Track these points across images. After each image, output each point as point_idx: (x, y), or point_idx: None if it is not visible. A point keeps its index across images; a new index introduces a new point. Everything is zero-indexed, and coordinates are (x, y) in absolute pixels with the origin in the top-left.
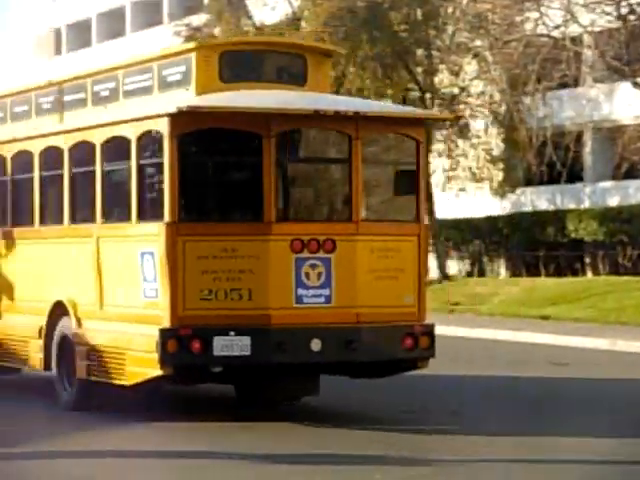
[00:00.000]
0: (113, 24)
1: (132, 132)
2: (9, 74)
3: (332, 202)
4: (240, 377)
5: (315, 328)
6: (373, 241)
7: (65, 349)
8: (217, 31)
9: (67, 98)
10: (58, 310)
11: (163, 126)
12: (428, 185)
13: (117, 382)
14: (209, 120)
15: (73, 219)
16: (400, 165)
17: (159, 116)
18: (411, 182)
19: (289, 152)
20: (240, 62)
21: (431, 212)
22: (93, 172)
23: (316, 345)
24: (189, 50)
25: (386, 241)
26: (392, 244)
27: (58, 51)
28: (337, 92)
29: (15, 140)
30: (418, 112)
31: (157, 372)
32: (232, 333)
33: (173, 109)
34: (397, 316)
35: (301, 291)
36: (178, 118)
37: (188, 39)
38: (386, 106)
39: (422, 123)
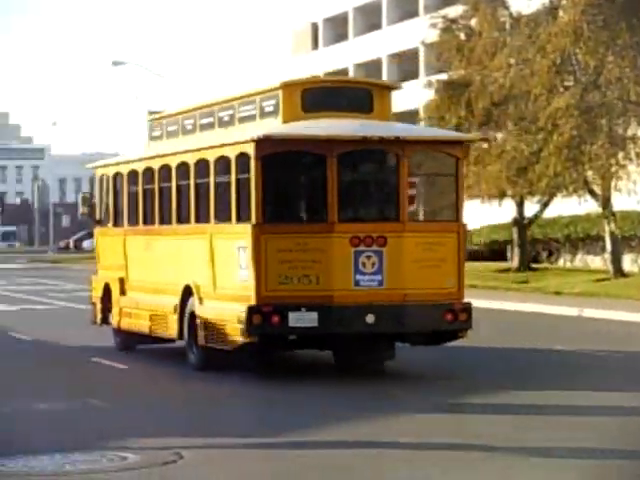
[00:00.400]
0: (369, 17)
1: (232, 153)
2: (269, 70)
3: (383, 207)
4: (310, 345)
5: (370, 305)
6: (418, 237)
7: (192, 322)
8: (473, 22)
9: (202, 121)
10: (187, 292)
11: (250, 149)
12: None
13: (222, 347)
14: (285, 144)
15: (196, 219)
16: (443, 176)
17: (247, 142)
18: (452, 190)
19: (348, 168)
20: (318, 96)
21: None
22: (208, 183)
23: (370, 319)
24: (278, 87)
25: (429, 237)
26: (434, 239)
27: (315, 45)
28: (595, 82)
29: (159, 156)
30: (451, 135)
31: (246, 340)
32: (303, 309)
33: (256, 136)
34: (439, 296)
35: (358, 276)
36: (261, 143)
37: (444, 31)
38: (427, 130)
39: (460, 142)
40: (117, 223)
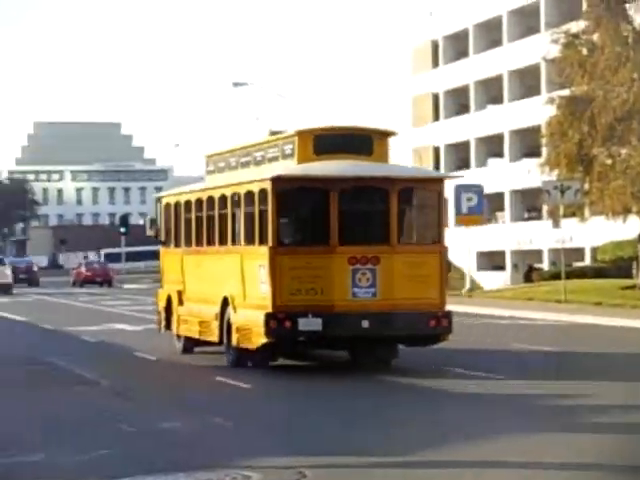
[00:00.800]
0: (490, 34)
1: (256, 188)
2: (389, 87)
3: (377, 232)
4: (317, 345)
5: (365, 313)
6: (405, 257)
7: (228, 327)
8: (596, 37)
9: (242, 160)
10: (225, 302)
11: (268, 186)
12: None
13: (248, 347)
14: (295, 182)
15: (232, 242)
16: (427, 207)
17: (266, 180)
18: (435, 218)
19: (347, 201)
20: (327, 141)
21: None
22: (240, 212)
23: (365, 324)
24: (294, 135)
25: (415, 257)
26: (420, 259)
27: (435, 63)
28: None
29: (207, 189)
30: (431, 174)
31: (265, 340)
32: (310, 315)
33: (271, 176)
34: (424, 306)
35: (356, 289)
36: (276, 181)
37: (566, 46)
38: (412, 170)
39: (440, 180)
40: (177, 244)
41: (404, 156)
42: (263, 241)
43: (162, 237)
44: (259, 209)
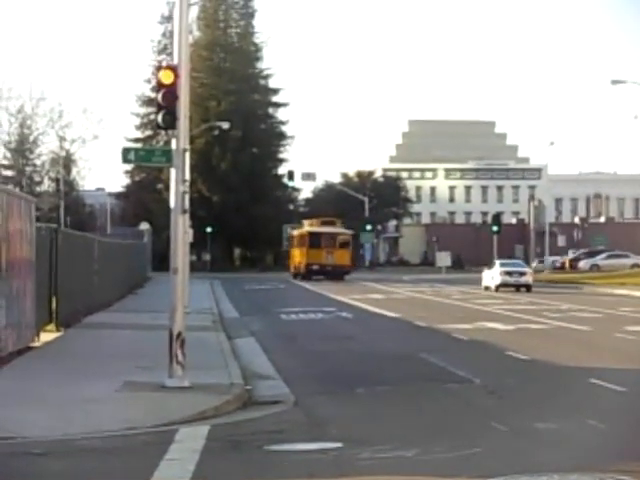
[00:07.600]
0: None
1: (305, 233)
2: None
3: (333, 245)
4: (317, 274)
5: (328, 265)
6: (339, 251)
7: (299, 269)
8: None
9: (308, 223)
10: (299, 263)
11: (307, 233)
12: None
13: (303, 274)
14: (313, 233)
15: (299, 247)
16: (346, 239)
17: (306, 230)
18: (350, 242)
19: (325, 238)
20: (324, 222)
21: None
22: (305, 238)
23: (329, 268)
24: (318, 220)
25: (342, 252)
26: (343, 252)
27: None
28: None
29: (299, 231)
30: (347, 232)
31: (304, 271)
32: (314, 265)
33: (306, 230)
34: (344, 265)
35: (326, 259)
36: (309, 232)
37: None
38: (343, 230)
39: (351, 235)
40: (291, 247)
41: None
42: (305, 246)
43: (289, 244)
44: (306, 239)
